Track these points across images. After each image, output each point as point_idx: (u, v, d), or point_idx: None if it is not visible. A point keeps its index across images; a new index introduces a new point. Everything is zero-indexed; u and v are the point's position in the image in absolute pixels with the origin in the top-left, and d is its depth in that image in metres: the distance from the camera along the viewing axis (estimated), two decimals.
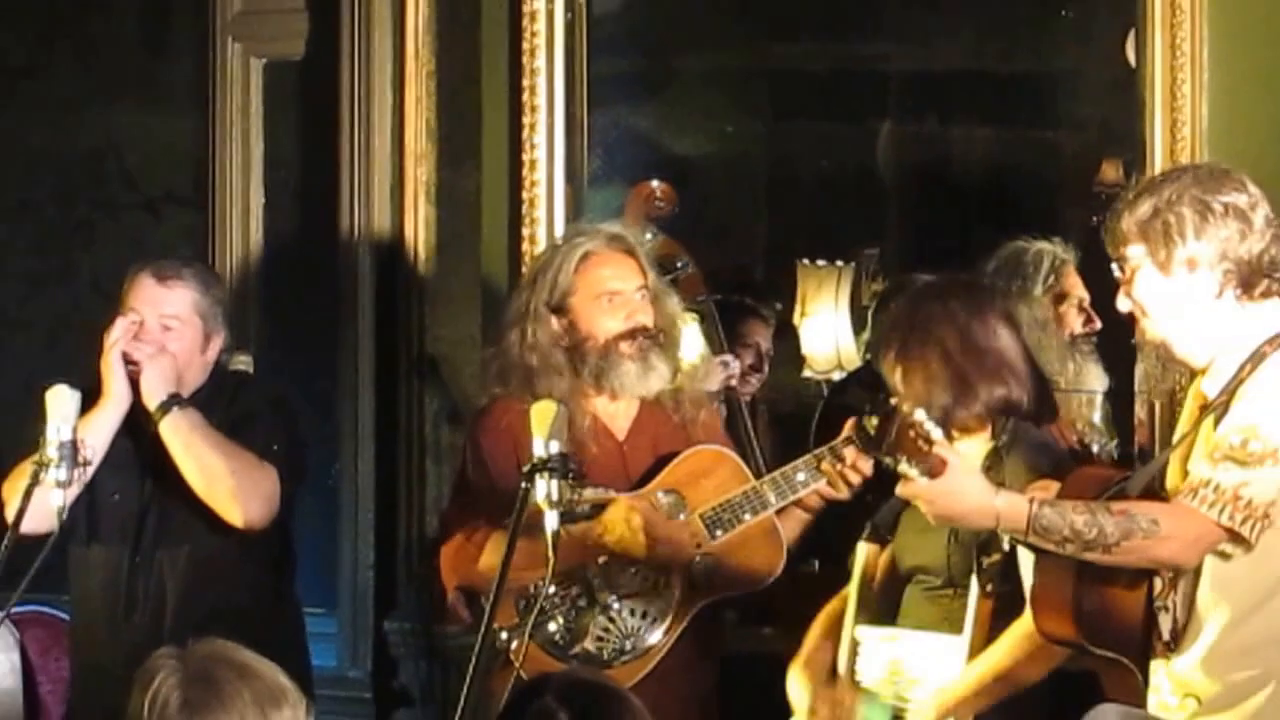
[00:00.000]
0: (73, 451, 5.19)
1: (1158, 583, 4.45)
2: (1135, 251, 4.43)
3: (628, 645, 5.25)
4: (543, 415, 4.70)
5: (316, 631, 6.22)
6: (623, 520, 5.23)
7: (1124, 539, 4.28)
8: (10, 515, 5.23)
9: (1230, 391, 4.38)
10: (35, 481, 5.17)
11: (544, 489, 4.63)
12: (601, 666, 5.10)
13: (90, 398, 5.43)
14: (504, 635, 4.80)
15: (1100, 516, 4.29)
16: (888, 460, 4.40)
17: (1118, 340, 5.67)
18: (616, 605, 5.28)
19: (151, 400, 5.53)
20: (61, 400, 5.21)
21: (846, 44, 7.27)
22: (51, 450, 5.15)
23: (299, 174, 6.92)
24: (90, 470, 5.37)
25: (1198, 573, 4.39)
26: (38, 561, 5.13)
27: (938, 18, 7.17)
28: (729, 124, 7.40)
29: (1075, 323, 5.83)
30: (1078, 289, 5.85)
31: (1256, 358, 4.37)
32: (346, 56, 6.66)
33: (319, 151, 6.78)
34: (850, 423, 5.20)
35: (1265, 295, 4.41)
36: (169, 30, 7.15)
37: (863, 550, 4.99)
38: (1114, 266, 4.48)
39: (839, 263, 6.80)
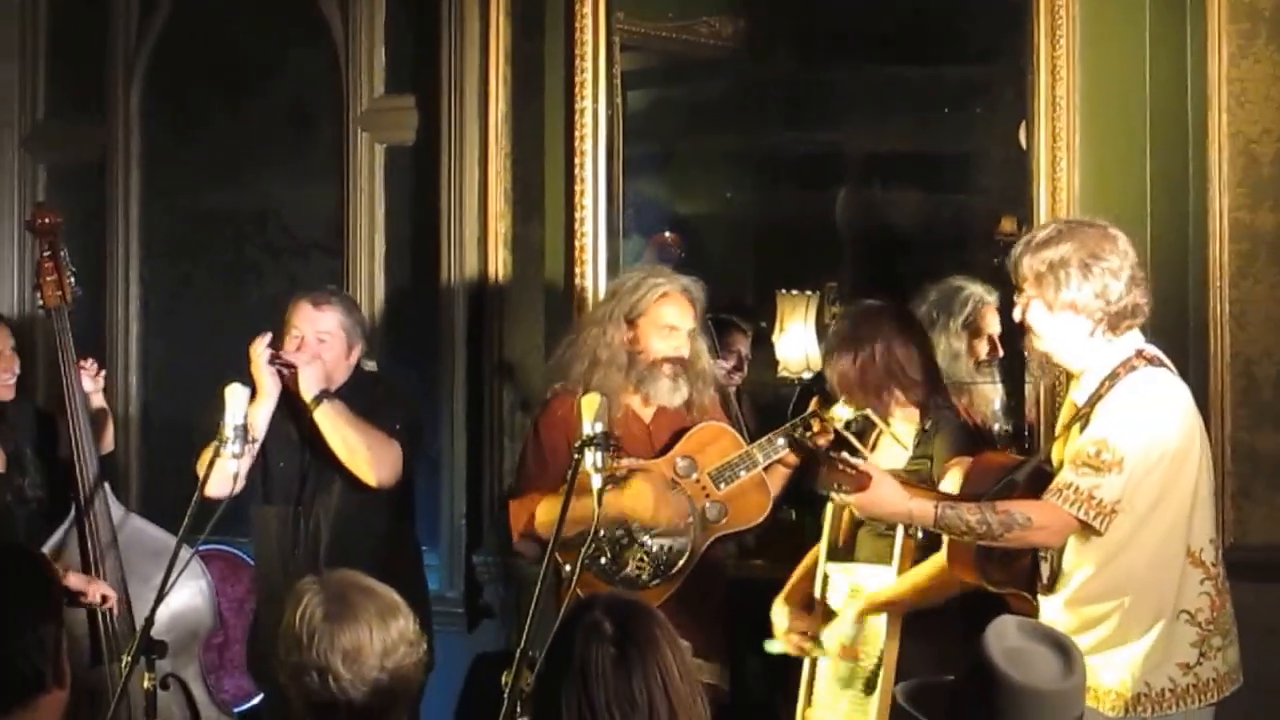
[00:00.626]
0: (244, 432, 5.23)
1: None
2: (1031, 290, 4.49)
3: (658, 573, 5.30)
4: (590, 404, 4.77)
5: (426, 564, 6.21)
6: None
7: (1006, 531, 4.38)
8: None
9: (1092, 404, 4.44)
10: (217, 454, 5.23)
11: (590, 458, 4.69)
12: (638, 589, 5.17)
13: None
14: (566, 567, 4.91)
15: (988, 515, 4.38)
16: (824, 491, 4.56)
17: (1016, 354, 5.76)
18: (649, 543, 5.31)
19: (307, 395, 5.60)
20: (236, 395, 5.25)
21: (812, 132, 7.24)
22: (228, 431, 5.19)
23: (410, 228, 6.89)
24: (256, 446, 5.43)
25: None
26: (219, 512, 5.22)
27: (880, 112, 7.18)
28: (726, 191, 7.39)
29: (982, 351, 5.77)
30: (991, 325, 5.80)
31: (1112, 377, 4.43)
32: (445, 142, 6.66)
33: (424, 212, 6.77)
34: (814, 400, 5.23)
35: (1126, 330, 4.48)
36: (313, 122, 7.14)
37: (830, 506, 5.01)
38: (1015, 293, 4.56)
39: (808, 292, 6.77)
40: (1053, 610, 4.48)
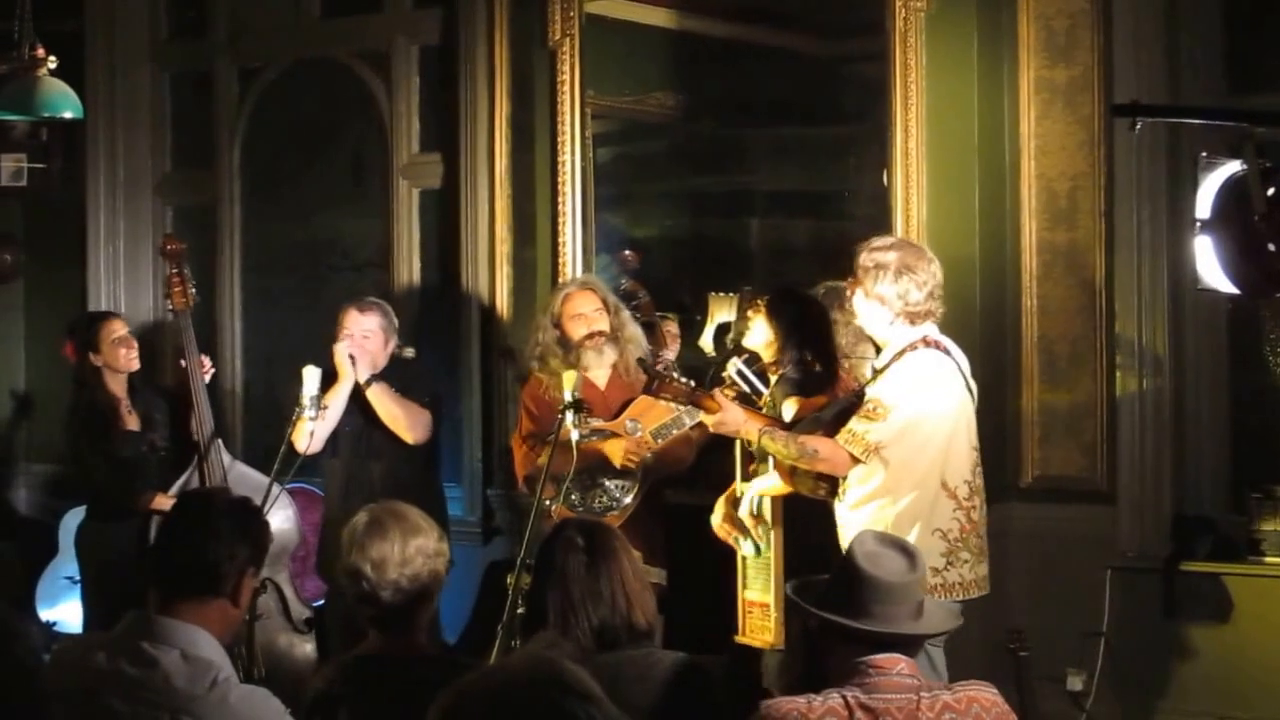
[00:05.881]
0: (316, 401, 5.23)
1: None
2: (859, 278, 4.46)
3: (614, 504, 5.27)
4: (569, 378, 4.77)
5: (452, 496, 6.25)
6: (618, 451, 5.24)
7: (800, 458, 4.37)
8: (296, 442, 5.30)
9: (882, 369, 4.43)
10: (298, 419, 5.25)
11: (571, 417, 4.69)
12: (600, 516, 5.11)
13: (328, 377, 5.43)
14: (547, 501, 4.84)
15: (791, 444, 4.39)
16: (686, 406, 4.53)
17: None
18: (607, 483, 5.29)
19: (362, 378, 5.58)
20: (310, 374, 5.26)
21: (731, 176, 7.21)
22: (305, 400, 5.21)
23: (437, 251, 6.83)
24: (327, 412, 5.39)
25: None
26: (298, 461, 5.29)
27: (780, 161, 7.13)
28: (669, 220, 7.34)
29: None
30: None
31: (899, 354, 4.40)
32: (463, 187, 6.60)
33: (448, 239, 6.73)
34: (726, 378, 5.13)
35: (921, 322, 4.42)
36: (366, 173, 7.07)
37: (739, 446, 4.94)
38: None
39: (730, 294, 6.69)
40: (842, 512, 4.45)
